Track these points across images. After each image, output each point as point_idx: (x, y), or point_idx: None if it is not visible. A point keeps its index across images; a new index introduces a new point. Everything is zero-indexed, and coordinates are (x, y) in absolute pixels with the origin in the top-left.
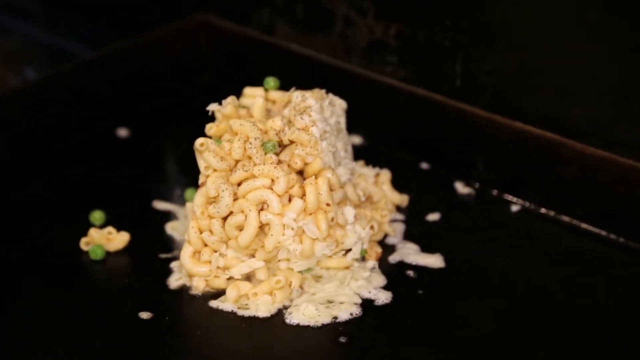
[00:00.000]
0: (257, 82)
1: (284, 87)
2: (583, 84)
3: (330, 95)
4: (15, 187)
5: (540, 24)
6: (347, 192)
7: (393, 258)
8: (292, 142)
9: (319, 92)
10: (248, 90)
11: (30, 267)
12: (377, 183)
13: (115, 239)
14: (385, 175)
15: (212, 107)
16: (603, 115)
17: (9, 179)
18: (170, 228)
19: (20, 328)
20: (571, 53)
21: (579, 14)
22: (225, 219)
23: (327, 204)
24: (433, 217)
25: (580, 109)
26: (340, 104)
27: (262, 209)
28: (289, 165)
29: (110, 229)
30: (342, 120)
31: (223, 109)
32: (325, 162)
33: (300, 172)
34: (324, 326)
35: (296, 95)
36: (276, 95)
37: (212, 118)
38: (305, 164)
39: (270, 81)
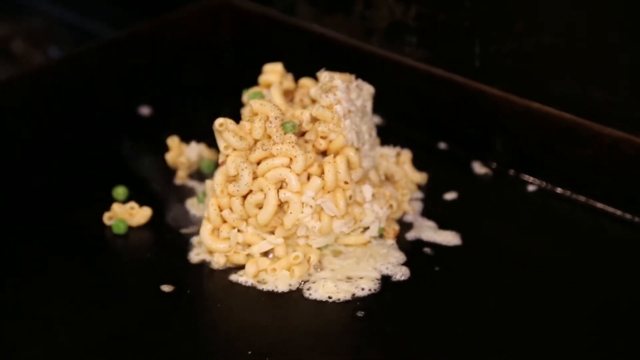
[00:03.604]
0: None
1: (305, 67)
2: (601, 65)
3: (359, 80)
4: (39, 164)
5: (558, 5)
6: (369, 174)
7: (411, 235)
8: (316, 120)
9: (347, 76)
10: (268, 67)
11: (54, 241)
12: (399, 163)
13: (138, 214)
14: (406, 155)
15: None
16: (621, 96)
17: (33, 156)
18: (190, 204)
19: (43, 301)
20: (589, 34)
21: None
22: (244, 197)
23: (346, 182)
24: (450, 196)
25: (598, 90)
26: (368, 89)
27: (281, 188)
28: (313, 146)
29: (132, 204)
30: (369, 105)
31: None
32: (348, 140)
33: (325, 154)
34: (342, 301)
35: (324, 75)
36: (305, 81)
37: (235, 96)
38: (329, 141)
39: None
